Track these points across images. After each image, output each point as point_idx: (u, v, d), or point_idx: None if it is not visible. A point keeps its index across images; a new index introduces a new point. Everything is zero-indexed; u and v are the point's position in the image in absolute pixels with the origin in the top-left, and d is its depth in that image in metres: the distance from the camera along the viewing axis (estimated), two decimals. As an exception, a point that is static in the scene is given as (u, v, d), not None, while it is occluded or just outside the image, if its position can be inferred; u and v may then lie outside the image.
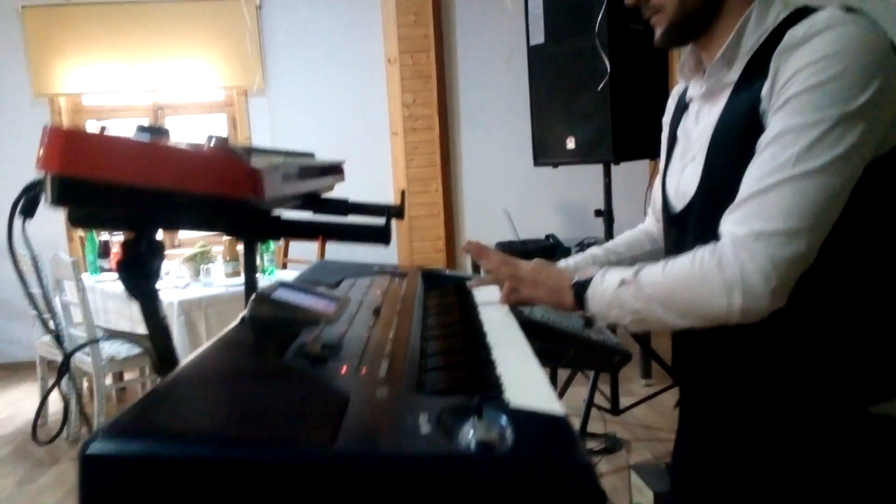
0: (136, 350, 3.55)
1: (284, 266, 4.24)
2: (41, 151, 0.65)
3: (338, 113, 4.89)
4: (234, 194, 0.67)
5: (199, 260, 3.78)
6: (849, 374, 0.93)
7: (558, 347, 2.29)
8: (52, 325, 2.52)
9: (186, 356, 3.12)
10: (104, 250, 4.10)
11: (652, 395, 3.25)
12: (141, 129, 0.69)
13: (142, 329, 2.95)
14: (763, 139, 0.88)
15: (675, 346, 1.18)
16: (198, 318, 3.32)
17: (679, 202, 1.09)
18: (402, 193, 1.45)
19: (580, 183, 4.40)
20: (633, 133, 2.79)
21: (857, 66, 0.83)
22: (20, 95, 4.71)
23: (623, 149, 2.79)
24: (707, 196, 1.00)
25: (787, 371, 0.95)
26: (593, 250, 1.42)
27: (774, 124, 0.87)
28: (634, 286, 0.94)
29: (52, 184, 0.65)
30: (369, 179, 4.94)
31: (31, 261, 0.91)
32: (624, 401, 3.21)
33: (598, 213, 3.09)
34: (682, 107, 1.15)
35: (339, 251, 4.76)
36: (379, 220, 0.89)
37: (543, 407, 0.66)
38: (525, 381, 0.81)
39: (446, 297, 1.34)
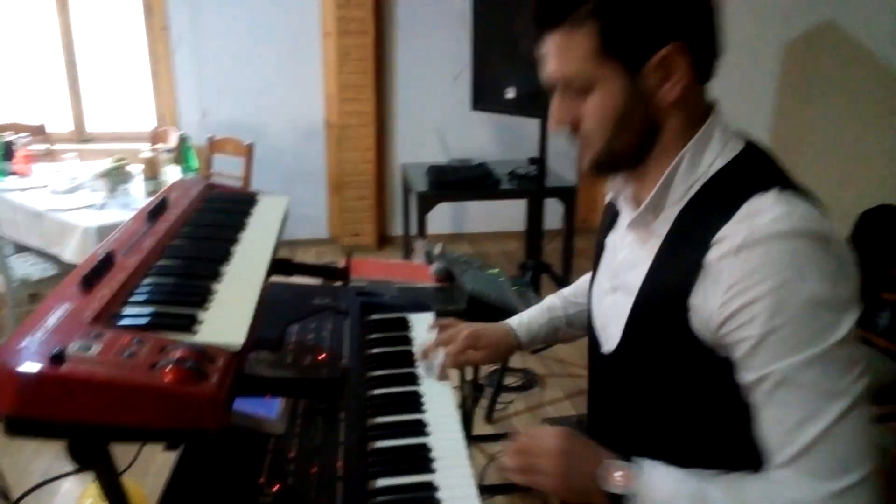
0: (50, 271, 3.41)
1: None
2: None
3: (266, 7, 4.56)
4: (194, 426, 0.66)
5: (116, 176, 3.59)
6: None
7: (485, 320, 2.38)
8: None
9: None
10: (8, 152, 3.81)
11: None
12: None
13: (56, 249, 2.87)
14: (756, 378, 0.82)
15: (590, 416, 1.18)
16: (118, 244, 3.21)
17: (603, 338, 1.06)
18: (348, 258, 1.41)
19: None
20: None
21: (825, 287, 0.79)
22: None
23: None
24: (631, 350, 0.98)
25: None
26: (550, 300, 1.37)
27: (763, 362, 0.81)
28: None
29: (2, 420, 0.63)
30: (299, 83, 4.72)
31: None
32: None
33: (531, 160, 3.09)
34: (613, 212, 1.11)
35: (268, 158, 4.61)
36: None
37: None
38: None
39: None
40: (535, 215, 3.14)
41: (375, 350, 1.34)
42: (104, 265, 0.89)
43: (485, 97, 2.98)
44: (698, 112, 0.92)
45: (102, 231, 3.10)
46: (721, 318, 0.83)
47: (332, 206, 5.01)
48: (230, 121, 4.72)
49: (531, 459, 0.92)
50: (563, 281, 3.72)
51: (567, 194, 3.82)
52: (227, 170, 4.10)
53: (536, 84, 2.84)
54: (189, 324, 0.79)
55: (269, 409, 1.02)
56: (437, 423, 1.10)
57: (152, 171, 3.55)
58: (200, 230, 1.11)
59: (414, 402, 1.16)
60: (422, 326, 1.45)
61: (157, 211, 1.12)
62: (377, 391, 1.20)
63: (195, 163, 3.62)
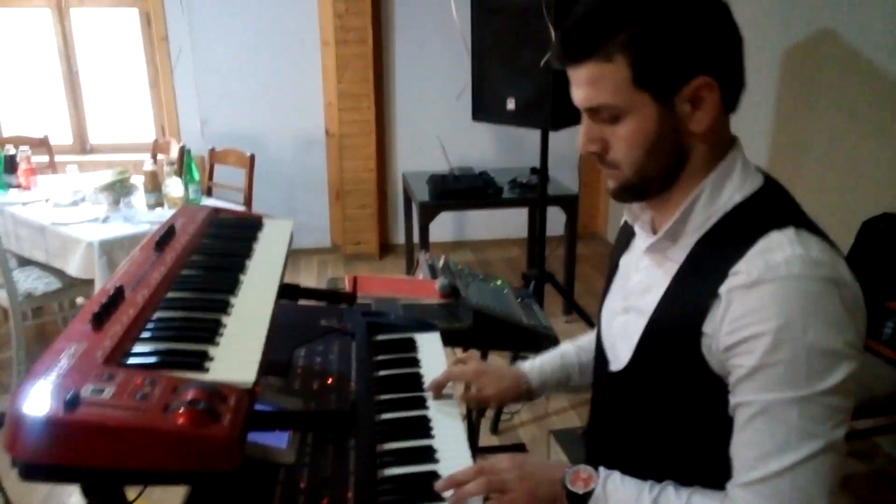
0: (55, 285, 3.42)
1: (209, 192, 4.09)
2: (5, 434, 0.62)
3: (264, 17, 4.57)
4: (209, 468, 0.67)
5: (119, 189, 3.60)
6: None
7: (490, 333, 2.39)
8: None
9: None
10: (10, 165, 3.82)
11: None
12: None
13: (60, 263, 2.87)
14: (743, 402, 0.85)
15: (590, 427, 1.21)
16: (121, 258, 3.20)
17: (611, 356, 1.08)
18: (354, 280, 1.42)
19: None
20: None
21: (831, 333, 0.81)
22: None
23: (562, 115, 2.77)
24: (639, 371, 1.00)
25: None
26: (563, 347, 1.37)
27: (753, 390, 0.84)
28: None
29: (17, 465, 0.63)
30: (298, 92, 4.73)
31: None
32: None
33: (533, 170, 3.10)
34: (628, 234, 1.12)
35: (269, 168, 4.62)
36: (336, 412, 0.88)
37: None
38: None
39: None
40: (536, 224, 3.15)
41: (383, 372, 1.35)
42: (114, 301, 0.89)
43: (485, 108, 2.99)
44: (722, 144, 0.95)
45: (105, 245, 3.11)
46: (725, 345, 0.87)
47: (333, 215, 5.02)
48: (230, 131, 4.73)
49: (497, 477, 0.97)
50: (566, 290, 3.72)
51: (569, 202, 3.83)
52: (229, 181, 4.10)
53: (536, 94, 2.88)
54: (200, 361, 0.80)
55: (279, 439, 1.02)
56: (447, 450, 1.10)
57: (154, 184, 3.56)
58: (207, 259, 1.11)
59: (423, 426, 1.17)
60: (428, 347, 1.46)
61: (164, 240, 1.12)
62: (386, 415, 1.20)
63: (197, 175, 3.63)
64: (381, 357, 1.41)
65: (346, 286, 1.99)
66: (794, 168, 3.16)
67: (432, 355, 1.42)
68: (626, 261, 1.12)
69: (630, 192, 0.98)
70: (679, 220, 0.94)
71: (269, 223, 1.34)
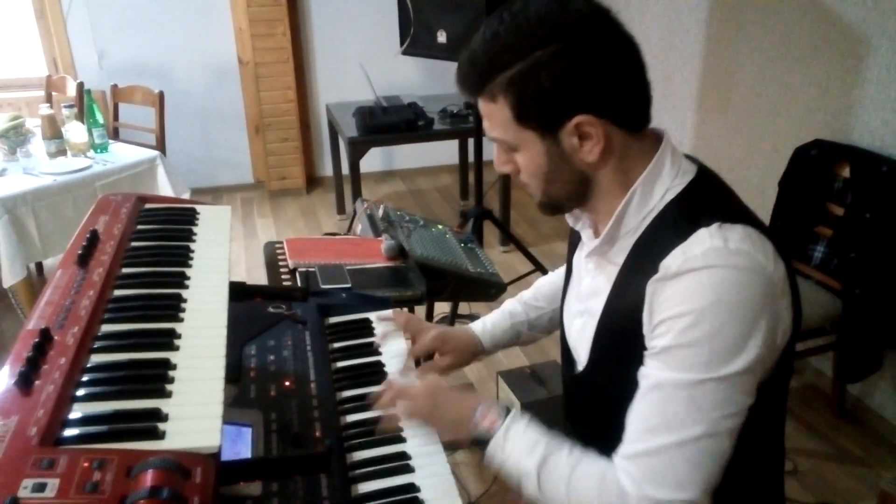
0: None
1: (116, 134, 3.78)
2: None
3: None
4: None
5: (14, 136, 3.27)
6: None
7: (437, 284, 2.33)
8: None
9: (17, 262, 2.83)
10: None
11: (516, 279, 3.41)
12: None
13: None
14: (646, 375, 0.88)
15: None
16: (25, 216, 2.94)
17: (575, 357, 1.10)
18: (293, 272, 1.30)
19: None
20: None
21: (735, 322, 0.83)
22: None
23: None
24: (597, 374, 1.03)
25: None
26: (511, 305, 1.37)
27: (655, 369, 0.87)
28: (535, 482, 0.93)
29: None
30: (205, 17, 4.37)
31: None
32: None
33: (467, 105, 2.97)
34: (577, 235, 1.12)
35: (180, 101, 4.31)
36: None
37: None
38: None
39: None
40: (469, 155, 3.04)
41: (342, 364, 1.27)
42: (40, 348, 0.77)
43: (414, 41, 2.81)
44: (639, 153, 0.95)
45: (7, 203, 2.85)
46: (648, 333, 0.90)
47: (254, 149, 4.76)
48: (133, 63, 4.35)
49: (404, 393, 1.05)
50: (503, 225, 3.68)
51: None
52: (136, 121, 3.79)
53: (469, 27, 2.71)
54: (153, 426, 0.69)
55: (243, 468, 0.93)
56: (420, 454, 1.05)
57: (53, 130, 3.25)
58: (142, 273, 0.98)
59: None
60: (384, 326, 1.38)
61: (87, 252, 0.98)
62: (352, 417, 1.13)
63: (101, 117, 3.32)
64: (337, 344, 1.32)
65: (286, 252, 1.88)
66: (725, 93, 3.15)
67: (395, 336, 1.35)
68: (577, 261, 1.13)
69: (548, 208, 1.01)
70: (614, 224, 0.96)
71: (204, 212, 1.20)
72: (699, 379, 0.83)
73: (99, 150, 3.30)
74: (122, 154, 3.30)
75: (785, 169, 2.64)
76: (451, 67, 3.46)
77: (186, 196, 3.41)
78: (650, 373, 0.88)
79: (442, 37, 2.69)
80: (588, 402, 1.09)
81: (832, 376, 2.59)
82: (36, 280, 3.59)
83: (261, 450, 1.00)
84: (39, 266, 3.75)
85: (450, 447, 1.09)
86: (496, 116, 0.92)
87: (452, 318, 3.00)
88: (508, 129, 0.92)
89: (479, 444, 0.97)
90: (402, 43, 2.84)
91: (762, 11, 2.87)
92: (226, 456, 0.98)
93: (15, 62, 4.47)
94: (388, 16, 3.06)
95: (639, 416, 0.88)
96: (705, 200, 0.93)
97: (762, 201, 2.76)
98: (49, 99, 3.99)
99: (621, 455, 0.89)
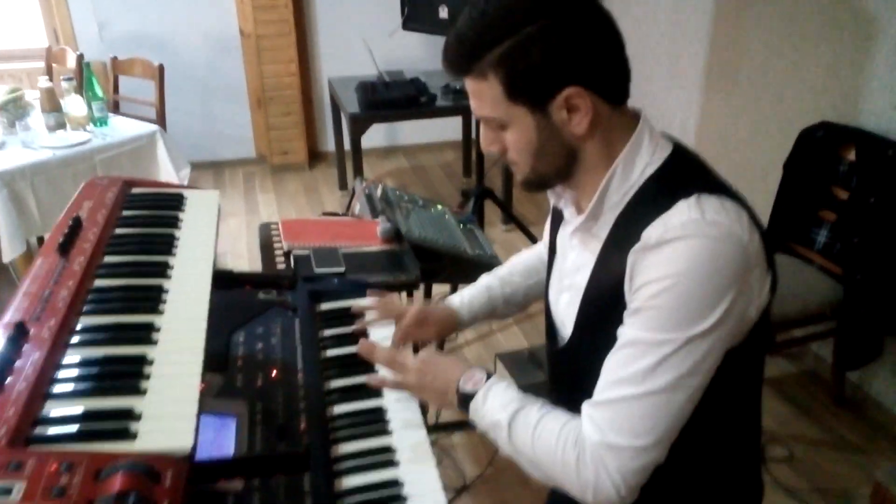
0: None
1: (116, 107, 3.75)
2: None
3: None
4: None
5: (14, 109, 3.25)
6: None
7: (435, 265, 2.31)
8: None
9: (16, 237, 2.82)
10: None
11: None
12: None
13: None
14: (622, 333, 0.93)
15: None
16: (24, 189, 2.93)
17: (560, 333, 1.13)
18: (287, 255, 1.28)
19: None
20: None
21: (706, 288, 0.87)
22: None
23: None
24: (581, 347, 1.06)
25: None
26: (487, 280, 1.40)
27: (629, 327, 0.92)
28: (506, 433, 0.98)
29: None
30: (206, -11, 4.31)
31: None
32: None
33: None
34: (559, 212, 1.15)
35: (181, 73, 4.25)
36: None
37: None
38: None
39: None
40: (472, 132, 3.00)
41: (331, 352, 1.25)
42: (14, 341, 0.76)
43: (416, 16, 2.77)
44: (621, 128, 0.97)
45: (5, 177, 2.83)
46: (629, 300, 0.93)
47: (256, 123, 4.72)
48: (134, 34, 4.30)
49: (402, 371, 1.12)
50: (504, 204, 3.65)
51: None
52: (136, 94, 3.76)
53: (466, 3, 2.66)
54: (125, 426, 0.68)
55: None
56: (405, 448, 1.04)
57: (53, 103, 3.21)
58: (123, 262, 0.97)
59: (379, 420, 1.09)
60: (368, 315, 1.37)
61: (69, 239, 0.97)
62: (339, 408, 1.12)
63: (100, 91, 3.29)
64: (328, 332, 1.31)
65: (281, 234, 1.86)
66: (732, 73, 3.09)
67: (380, 323, 1.34)
68: (561, 239, 1.15)
69: (533, 185, 1.03)
70: (598, 200, 0.99)
71: (191, 197, 1.19)
72: (665, 339, 0.88)
73: (98, 124, 3.27)
74: (122, 128, 3.27)
75: (790, 151, 2.60)
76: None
77: (186, 171, 3.39)
78: (624, 331, 0.92)
79: (443, 12, 2.64)
80: (571, 375, 1.12)
81: (832, 363, 2.57)
82: (36, 255, 3.59)
83: (244, 442, 0.99)
84: (41, 240, 3.75)
85: (447, 428, 1.12)
86: (486, 94, 0.93)
87: (452, 290, 2.98)
88: (499, 106, 0.93)
89: (464, 404, 1.03)
90: (403, 19, 2.79)
91: (772, -11, 2.81)
92: (209, 447, 0.98)
93: (16, 33, 4.43)
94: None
95: (609, 369, 0.93)
96: (683, 174, 0.96)
97: (766, 183, 2.73)
98: (49, 71, 3.96)
99: (589, 402, 0.94)
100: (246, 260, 3.60)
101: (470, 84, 0.95)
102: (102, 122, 3.29)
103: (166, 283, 0.93)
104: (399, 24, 2.83)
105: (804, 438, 2.43)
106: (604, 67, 0.93)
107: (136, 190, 1.18)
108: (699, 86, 3.31)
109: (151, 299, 0.89)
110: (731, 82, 3.11)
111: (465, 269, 2.32)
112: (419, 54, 4.53)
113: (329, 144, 4.77)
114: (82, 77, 3.38)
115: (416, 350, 2.28)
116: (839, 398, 2.57)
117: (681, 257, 0.87)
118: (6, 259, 2.87)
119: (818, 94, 2.64)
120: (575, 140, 0.96)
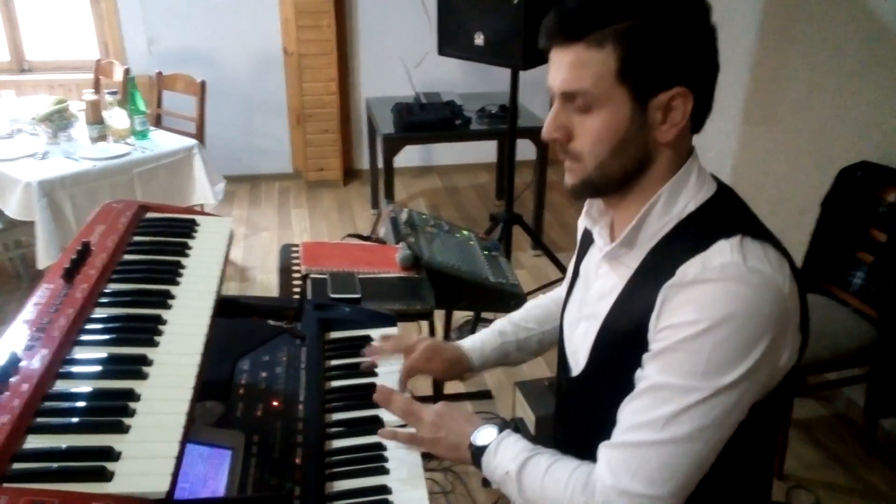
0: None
1: (158, 121, 3.84)
2: None
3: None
4: None
5: (58, 119, 3.35)
6: None
7: (456, 292, 2.29)
8: None
9: (52, 245, 2.88)
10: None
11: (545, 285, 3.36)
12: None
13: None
14: (646, 376, 0.89)
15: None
16: (62, 199, 3.00)
17: (573, 363, 1.09)
18: (304, 278, 1.29)
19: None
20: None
21: (740, 337, 0.83)
22: None
23: (534, 53, 2.57)
24: (592, 379, 1.03)
25: None
26: (501, 325, 1.36)
27: (654, 369, 0.88)
28: (516, 483, 0.96)
29: None
30: (252, 7, 4.40)
31: None
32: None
33: (503, 108, 2.92)
34: (588, 241, 1.12)
35: (225, 88, 4.34)
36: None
37: None
38: None
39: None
40: (505, 157, 3.00)
41: (336, 383, 1.25)
42: (7, 371, 0.76)
43: (452, 41, 2.77)
44: (680, 154, 0.95)
45: (45, 186, 2.92)
46: (653, 336, 0.90)
47: (295, 139, 4.79)
48: (180, 49, 4.41)
49: (416, 411, 1.08)
50: (533, 231, 3.62)
51: (539, 135, 3.66)
52: (179, 108, 3.84)
53: (507, 31, 2.67)
54: (102, 467, 0.68)
55: (216, 487, 0.93)
56: (402, 491, 1.02)
57: (96, 115, 3.31)
58: (126, 291, 0.97)
59: (377, 459, 1.08)
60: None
61: (75, 265, 0.98)
62: (337, 443, 1.11)
63: (142, 105, 3.37)
64: (335, 362, 1.30)
65: (301, 256, 1.87)
66: (772, 107, 3.02)
67: (390, 355, 1.33)
68: (586, 267, 1.12)
69: (588, 187, 0.97)
70: (635, 227, 0.95)
71: (204, 224, 1.20)
72: (692, 386, 0.84)
73: (139, 137, 3.35)
74: (161, 142, 3.35)
75: (829, 189, 2.52)
76: (491, 68, 3.39)
77: (221, 185, 3.45)
78: (648, 374, 0.88)
79: (479, 39, 2.64)
80: (579, 408, 1.09)
81: (864, 408, 2.47)
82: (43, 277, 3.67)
83: (237, 476, 0.99)
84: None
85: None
86: (592, 66, 0.87)
87: (474, 325, 2.97)
88: (602, 82, 0.88)
89: (477, 458, 1.01)
90: (439, 44, 2.80)
91: (815, 23, 2.75)
92: (201, 482, 0.97)
93: (70, 45, 4.58)
94: (432, 12, 3.02)
95: (630, 412, 0.90)
96: (727, 214, 0.93)
97: (803, 220, 2.65)
98: (97, 83, 4.08)
99: (606, 444, 0.91)
100: (274, 275, 3.64)
101: (575, 52, 0.88)
102: (143, 135, 3.37)
103: (166, 314, 0.94)
104: (431, 49, 2.84)
105: (832, 486, 2.34)
106: (710, 81, 0.92)
107: (150, 215, 1.20)
108: (738, 118, 3.24)
109: (148, 330, 0.89)
110: (771, 116, 3.04)
111: (486, 296, 2.30)
112: (458, 77, 4.54)
113: (364, 163, 4.80)
114: (126, 90, 3.47)
115: (436, 390, 2.28)
116: (871, 445, 2.47)
117: (718, 301, 0.83)
118: (41, 266, 2.94)
119: (860, 132, 2.57)
120: (655, 147, 0.92)
